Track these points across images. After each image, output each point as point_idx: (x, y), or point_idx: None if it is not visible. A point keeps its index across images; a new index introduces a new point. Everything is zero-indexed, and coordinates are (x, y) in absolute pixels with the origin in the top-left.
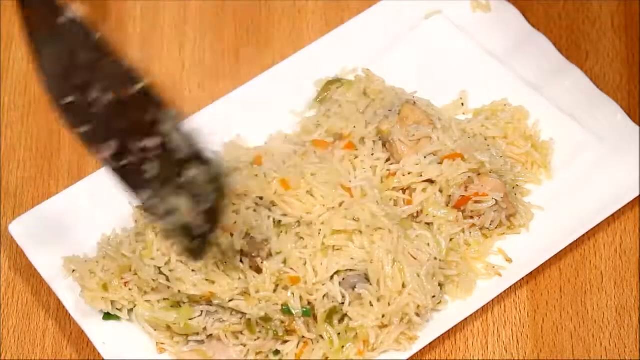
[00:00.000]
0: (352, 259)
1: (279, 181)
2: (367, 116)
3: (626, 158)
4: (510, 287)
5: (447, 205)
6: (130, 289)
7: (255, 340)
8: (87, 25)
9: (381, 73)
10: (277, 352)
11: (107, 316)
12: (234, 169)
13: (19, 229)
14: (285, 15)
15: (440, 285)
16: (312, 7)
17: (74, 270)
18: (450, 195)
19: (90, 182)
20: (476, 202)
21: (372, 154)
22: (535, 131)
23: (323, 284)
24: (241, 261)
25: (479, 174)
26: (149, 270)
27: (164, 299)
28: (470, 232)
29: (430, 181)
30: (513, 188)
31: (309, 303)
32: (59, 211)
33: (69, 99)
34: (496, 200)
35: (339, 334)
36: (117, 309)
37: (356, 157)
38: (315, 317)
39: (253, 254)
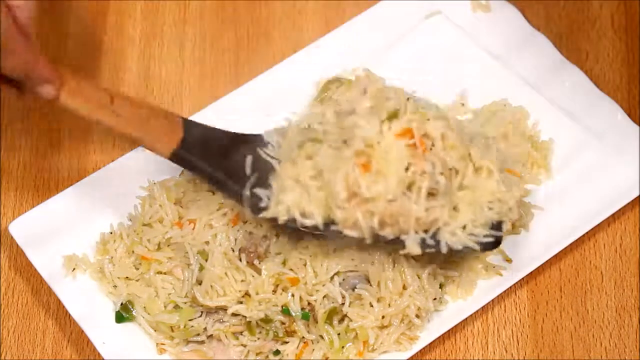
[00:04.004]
0: (352, 260)
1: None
2: None
3: (626, 158)
4: (510, 287)
5: None
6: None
7: (255, 341)
8: None
9: (381, 73)
10: (277, 352)
11: (120, 318)
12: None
13: (19, 229)
14: (285, 15)
15: (441, 285)
16: (312, 7)
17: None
18: None
19: (90, 182)
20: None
21: None
22: (535, 131)
23: (323, 285)
24: (240, 259)
25: None
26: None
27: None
28: None
29: None
30: None
31: (309, 304)
32: (59, 211)
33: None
34: None
35: (338, 334)
36: (129, 304)
37: None
38: (315, 318)
39: (251, 250)
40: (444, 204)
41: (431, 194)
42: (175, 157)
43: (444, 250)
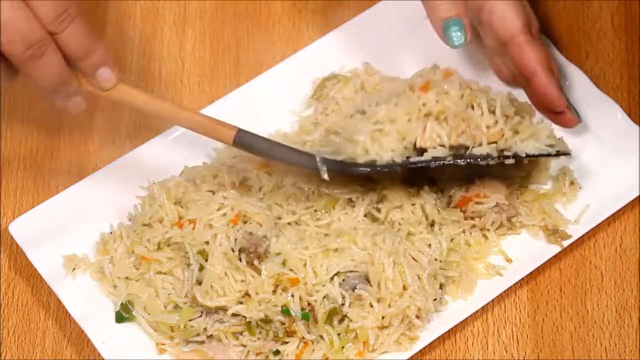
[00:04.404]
0: (352, 260)
1: None
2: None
3: (626, 158)
4: (510, 287)
5: (449, 206)
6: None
7: (255, 341)
8: None
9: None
10: (277, 352)
11: (120, 318)
12: None
13: (19, 229)
14: (285, 15)
15: (441, 285)
16: (312, 7)
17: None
18: (451, 196)
19: (90, 182)
20: (477, 203)
21: None
22: None
23: (323, 285)
24: (240, 259)
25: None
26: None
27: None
28: (471, 233)
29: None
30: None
31: (309, 304)
32: (59, 211)
33: None
34: (497, 202)
35: (338, 334)
36: (128, 304)
37: None
38: (315, 318)
39: (251, 250)
40: (506, 120)
41: (491, 112)
42: (239, 138)
43: (522, 154)
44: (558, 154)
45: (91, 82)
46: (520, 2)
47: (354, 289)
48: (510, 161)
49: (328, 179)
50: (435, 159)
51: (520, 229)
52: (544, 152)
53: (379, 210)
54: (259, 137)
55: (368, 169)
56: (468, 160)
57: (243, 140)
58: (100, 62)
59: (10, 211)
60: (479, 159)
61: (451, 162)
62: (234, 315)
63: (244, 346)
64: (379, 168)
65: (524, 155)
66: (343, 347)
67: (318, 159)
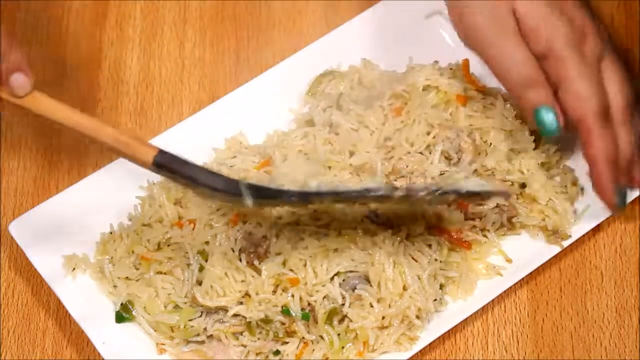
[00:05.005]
0: (352, 260)
1: None
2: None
3: None
4: (510, 287)
5: (449, 207)
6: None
7: (255, 341)
8: None
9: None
10: (277, 352)
11: (120, 318)
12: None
13: (19, 229)
14: (285, 15)
15: (441, 285)
16: (312, 7)
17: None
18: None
19: (90, 182)
20: (477, 204)
21: None
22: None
23: (323, 285)
24: (240, 259)
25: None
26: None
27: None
28: (471, 233)
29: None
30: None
31: (309, 304)
32: (59, 211)
33: None
34: (497, 203)
35: (338, 334)
36: (128, 304)
37: None
38: (315, 318)
39: (251, 250)
40: (459, 170)
41: (447, 159)
42: (159, 159)
43: (463, 190)
44: (499, 193)
45: (3, 88)
46: (602, 81)
47: (354, 289)
48: (451, 197)
49: (252, 207)
50: (368, 190)
51: (520, 229)
52: (485, 188)
53: (377, 211)
54: (180, 159)
55: (296, 198)
56: (404, 194)
57: (164, 161)
58: (14, 67)
59: (10, 211)
60: (416, 193)
61: (387, 194)
62: (234, 315)
63: (244, 346)
64: (308, 196)
65: (464, 191)
66: (343, 347)
67: (242, 185)
